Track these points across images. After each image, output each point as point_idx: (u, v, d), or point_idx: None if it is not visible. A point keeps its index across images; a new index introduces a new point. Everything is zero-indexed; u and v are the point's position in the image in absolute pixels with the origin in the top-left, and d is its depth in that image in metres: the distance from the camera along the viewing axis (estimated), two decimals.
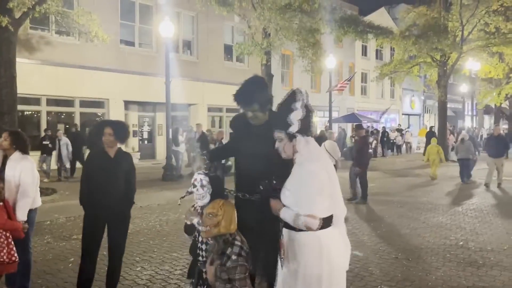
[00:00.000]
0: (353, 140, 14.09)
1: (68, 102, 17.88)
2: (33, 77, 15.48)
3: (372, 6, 36.47)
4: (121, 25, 18.99)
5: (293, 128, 2.79)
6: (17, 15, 10.61)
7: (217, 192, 3.18)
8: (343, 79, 28.02)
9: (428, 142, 20.14)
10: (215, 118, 23.91)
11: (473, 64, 25.06)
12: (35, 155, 10.90)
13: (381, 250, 6.44)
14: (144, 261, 5.91)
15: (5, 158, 4.45)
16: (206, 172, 3.30)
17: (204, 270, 3.04)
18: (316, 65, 19.14)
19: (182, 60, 20.53)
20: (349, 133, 27.31)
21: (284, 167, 2.85)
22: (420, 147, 28.53)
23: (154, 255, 6.18)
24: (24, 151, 4.46)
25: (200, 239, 3.16)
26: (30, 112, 17.14)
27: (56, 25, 15.86)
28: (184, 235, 3.40)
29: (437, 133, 22.28)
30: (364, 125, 28.25)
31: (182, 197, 3.50)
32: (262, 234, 3.26)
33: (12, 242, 4.02)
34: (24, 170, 4.35)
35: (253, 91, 3.40)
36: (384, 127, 29.14)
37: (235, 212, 2.86)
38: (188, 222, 3.26)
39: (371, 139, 25.33)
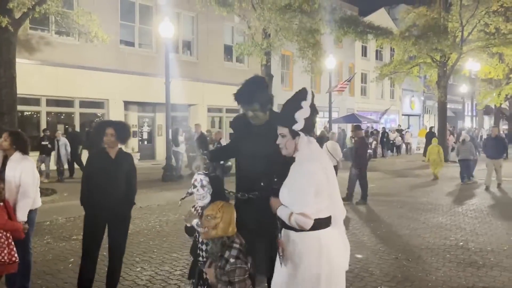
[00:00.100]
0: (353, 141, 14.09)
1: (68, 103, 17.88)
2: (33, 78, 15.48)
3: (372, 6, 36.53)
4: (121, 25, 18.99)
5: (298, 126, 2.79)
6: (17, 15, 10.62)
7: (218, 192, 3.18)
8: (343, 80, 28.03)
9: (428, 143, 20.14)
10: (215, 119, 23.91)
11: (473, 64, 25.07)
12: (33, 156, 10.89)
13: (381, 251, 6.44)
14: (144, 261, 5.91)
15: (5, 159, 4.45)
16: (206, 172, 3.30)
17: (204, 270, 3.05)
18: (316, 66, 19.14)
19: (182, 61, 20.54)
20: (348, 133, 27.30)
21: (285, 166, 2.85)
22: (420, 147, 28.53)
23: (154, 255, 6.18)
24: (25, 152, 4.46)
25: (200, 239, 3.16)
26: (30, 113, 17.14)
27: (56, 26, 15.87)
28: (185, 235, 3.41)
29: (437, 134, 22.27)
30: (364, 126, 28.35)
31: (183, 198, 3.50)
32: (262, 234, 3.26)
33: (13, 243, 4.02)
34: (24, 170, 4.34)
35: (254, 90, 3.40)
36: (384, 128, 29.15)
37: (234, 214, 2.86)
38: (188, 224, 3.26)
39: (371, 140, 25.36)
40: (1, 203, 4.04)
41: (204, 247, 3.12)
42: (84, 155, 14.22)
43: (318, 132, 20.44)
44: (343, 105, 32.07)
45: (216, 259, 2.79)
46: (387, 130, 28.44)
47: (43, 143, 13.85)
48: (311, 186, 2.67)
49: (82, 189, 4.43)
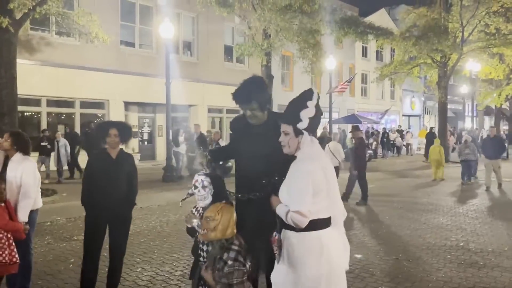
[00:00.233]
0: (353, 141, 14.09)
1: (68, 103, 17.88)
2: (34, 78, 15.49)
3: (372, 7, 36.42)
4: (122, 26, 19.01)
5: (302, 125, 2.80)
6: (18, 16, 10.63)
7: (219, 193, 3.18)
8: (343, 80, 28.01)
9: (428, 143, 20.14)
10: (215, 119, 23.91)
11: (473, 65, 25.04)
12: (33, 156, 10.87)
13: (382, 251, 6.44)
14: (144, 262, 5.91)
15: (6, 159, 4.45)
16: (206, 172, 3.29)
17: None
18: (316, 66, 19.12)
19: (182, 61, 20.55)
20: (349, 134, 27.28)
21: (286, 165, 2.85)
22: (420, 148, 28.52)
23: (155, 256, 6.18)
24: (26, 152, 4.46)
25: (200, 240, 3.16)
26: (30, 113, 17.15)
27: (56, 26, 15.88)
28: (185, 236, 3.42)
29: (437, 134, 22.27)
30: (365, 126, 28.37)
31: (183, 199, 3.50)
32: (262, 234, 3.26)
33: (13, 243, 4.02)
34: (25, 171, 4.34)
35: (252, 90, 3.40)
36: (384, 128, 29.15)
37: (234, 217, 2.86)
38: (189, 225, 3.26)
39: (371, 140, 25.36)
40: (2, 204, 4.05)
41: (204, 248, 3.12)
42: (81, 156, 14.26)
43: (318, 133, 20.41)
44: (344, 106, 32.06)
45: (213, 261, 2.79)
46: (387, 131, 28.45)
47: (42, 144, 13.82)
48: (309, 185, 2.67)
49: (83, 190, 4.43)
